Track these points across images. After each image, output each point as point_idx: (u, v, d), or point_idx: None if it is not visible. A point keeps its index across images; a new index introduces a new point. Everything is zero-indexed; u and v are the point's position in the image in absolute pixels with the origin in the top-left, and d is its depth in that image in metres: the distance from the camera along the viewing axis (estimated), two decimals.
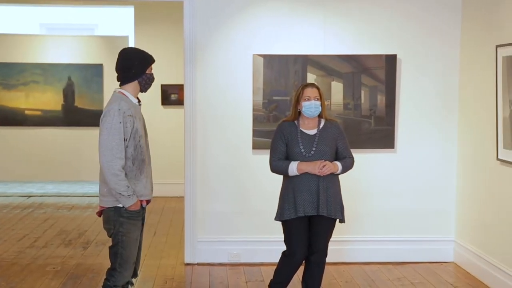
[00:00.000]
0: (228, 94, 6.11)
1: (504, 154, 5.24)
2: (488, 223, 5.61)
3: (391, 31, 6.11)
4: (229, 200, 6.15)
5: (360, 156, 6.14)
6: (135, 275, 4.36)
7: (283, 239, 4.72)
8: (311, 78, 6.04)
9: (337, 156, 4.64)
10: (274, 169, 4.61)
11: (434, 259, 6.22)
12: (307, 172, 4.51)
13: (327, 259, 5.95)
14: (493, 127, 5.39)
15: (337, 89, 6.10)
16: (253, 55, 6.03)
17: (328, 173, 4.50)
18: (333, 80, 6.09)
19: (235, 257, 6.17)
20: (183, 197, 6.35)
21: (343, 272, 5.94)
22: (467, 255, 5.97)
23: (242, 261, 6.15)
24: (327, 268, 5.95)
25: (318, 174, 4.48)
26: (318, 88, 4.59)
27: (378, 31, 6.11)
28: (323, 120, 4.64)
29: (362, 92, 6.11)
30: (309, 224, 4.63)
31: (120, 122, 4.00)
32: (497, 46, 5.27)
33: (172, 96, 9.69)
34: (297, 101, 4.59)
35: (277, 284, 4.75)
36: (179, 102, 9.40)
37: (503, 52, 5.19)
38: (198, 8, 6.03)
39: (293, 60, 6.04)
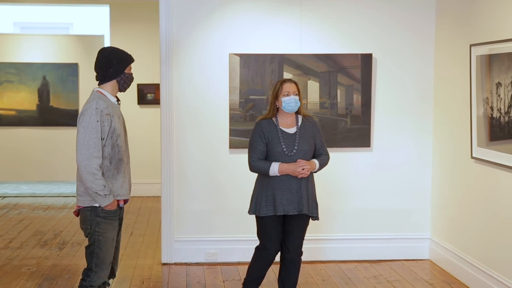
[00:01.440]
0: (204, 94, 6.11)
1: (478, 152, 5.30)
2: (462, 221, 5.67)
3: (367, 30, 6.15)
4: (206, 200, 6.15)
5: (336, 155, 6.19)
6: (113, 275, 4.34)
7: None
8: (287, 77, 6.04)
9: (314, 153, 4.66)
10: (254, 169, 4.58)
11: (410, 257, 6.27)
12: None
13: (304, 257, 5.97)
14: (468, 126, 5.45)
15: (313, 88, 6.12)
16: (230, 54, 6.02)
17: (308, 174, 4.52)
18: (309, 79, 6.11)
19: (212, 257, 6.16)
20: (159, 196, 6.34)
21: (320, 271, 5.96)
22: (442, 252, 6.03)
23: (219, 260, 6.15)
24: (303, 267, 5.99)
25: (298, 176, 4.49)
26: (296, 84, 4.59)
27: (354, 31, 6.14)
28: (301, 117, 4.65)
29: (338, 91, 6.14)
30: (284, 221, 4.64)
31: (98, 121, 3.99)
32: (471, 45, 5.33)
33: (149, 95, 9.65)
34: (276, 97, 4.57)
35: (251, 282, 4.75)
36: (156, 101, 9.38)
37: (477, 51, 5.25)
38: (174, 7, 6.01)
39: (269, 59, 6.05)
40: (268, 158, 4.56)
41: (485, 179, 5.25)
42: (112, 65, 4.12)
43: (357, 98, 6.15)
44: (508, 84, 4.81)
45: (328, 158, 4.69)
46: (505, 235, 4.97)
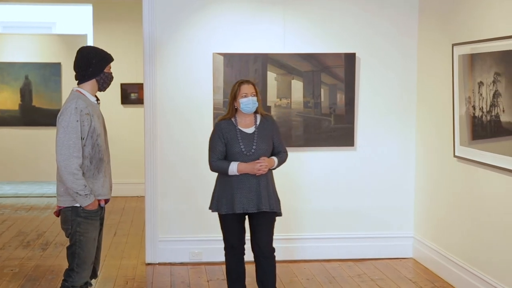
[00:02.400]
0: (188, 93, 6.09)
1: (461, 151, 5.33)
2: (445, 219, 5.71)
3: (350, 29, 6.16)
4: (190, 199, 6.13)
5: (320, 154, 6.21)
6: (95, 275, 4.32)
7: (250, 238, 4.77)
8: (271, 76, 6.06)
9: (272, 151, 4.73)
10: (214, 169, 4.67)
11: (393, 255, 6.30)
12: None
13: (287, 257, 5.97)
14: (450, 125, 5.48)
15: (297, 87, 6.13)
16: (213, 53, 6.02)
17: (266, 171, 4.57)
18: (293, 79, 6.12)
19: (196, 256, 6.15)
20: (143, 196, 6.32)
21: (304, 270, 5.97)
22: (425, 251, 6.06)
23: (204, 260, 6.14)
24: (287, 266, 6.00)
25: (257, 174, 4.56)
26: (253, 84, 4.66)
27: (337, 30, 6.16)
28: (259, 116, 4.71)
29: (322, 90, 6.15)
30: (249, 219, 4.72)
31: (77, 121, 3.97)
32: (453, 45, 5.36)
33: (132, 95, 9.62)
34: (234, 98, 4.64)
35: (234, 283, 4.81)
36: (139, 101, 9.34)
37: (459, 50, 5.28)
38: (157, 6, 5.99)
39: (253, 59, 6.05)
40: (228, 158, 4.64)
41: (468, 178, 5.28)
42: (92, 64, 4.11)
43: (340, 98, 6.17)
44: (490, 84, 4.85)
45: (286, 156, 4.79)
46: (487, 234, 5.00)
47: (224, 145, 4.62)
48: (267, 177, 4.63)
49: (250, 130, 4.65)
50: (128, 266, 6.12)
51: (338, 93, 6.16)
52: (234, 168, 4.56)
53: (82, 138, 4.00)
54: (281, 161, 4.73)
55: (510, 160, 4.60)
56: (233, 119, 4.67)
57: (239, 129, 4.64)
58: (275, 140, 4.71)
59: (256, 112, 4.70)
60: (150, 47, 6.02)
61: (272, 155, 4.71)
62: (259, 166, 4.54)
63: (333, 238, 6.28)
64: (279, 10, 6.08)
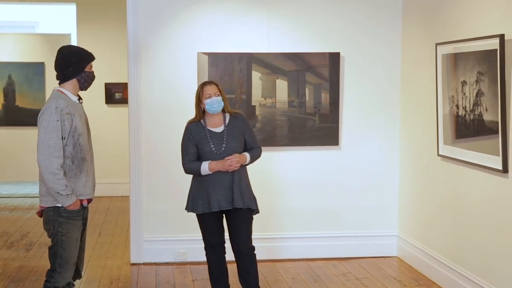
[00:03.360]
0: (173, 93, 6.08)
1: (445, 150, 5.36)
2: (429, 218, 5.74)
3: (334, 29, 6.18)
4: (175, 199, 6.11)
5: (305, 153, 6.22)
6: (79, 276, 4.30)
7: (228, 237, 4.78)
8: (255, 76, 6.06)
9: (245, 147, 4.77)
10: (188, 171, 4.72)
11: (378, 254, 6.32)
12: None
13: (272, 256, 5.97)
14: (434, 124, 5.51)
15: (281, 87, 6.13)
16: (198, 53, 6.01)
17: (238, 166, 4.59)
18: (277, 78, 6.12)
19: (181, 256, 6.14)
20: (128, 196, 6.29)
21: (289, 269, 5.98)
22: (409, 249, 6.09)
23: (189, 259, 6.12)
24: (273, 265, 6.01)
25: (228, 169, 4.59)
26: (216, 84, 4.71)
27: (321, 29, 6.17)
28: (228, 115, 4.75)
29: (307, 90, 6.16)
30: (226, 218, 4.76)
31: (58, 120, 3.95)
32: (437, 44, 5.39)
33: (116, 94, 9.58)
34: (199, 101, 4.70)
35: (217, 282, 4.84)
36: (124, 100, 9.29)
37: (443, 50, 5.31)
38: (141, 5, 5.97)
39: (237, 58, 6.05)
40: (200, 158, 4.70)
41: (451, 177, 5.32)
42: (71, 63, 4.09)
43: (325, 97, 6.18)
44: (473, 83, 4.88)
45: (260, 151, 4.82)
46: (471, 232, 5.04)
47: (195, 146, 4.68)
48: (240, 175, 4.67)
49: (219, 129, 4.70)
50: (112, 266, 6.10)
51: (323, 93, 6.17)
52: (205, 167, 4.61)
53: (63, 138, 3.98)
54: (254, 156, 4.77)
55: (493, 159, 4.63)
56: (202, 121, 4.73)
57: (208, 129, 4.69)
58: (247, 136, 4.76)
59: (225, 112, 4.74)
60: (134, 47, 6.00)
61: (245, 151, 4.75)
62: (230, 162, 4.58)
63: (318, 237, 6.29)
64: (264, 10, 6.09)
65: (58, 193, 3.97)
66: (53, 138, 3.95)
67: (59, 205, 4.04)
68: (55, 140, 3.95)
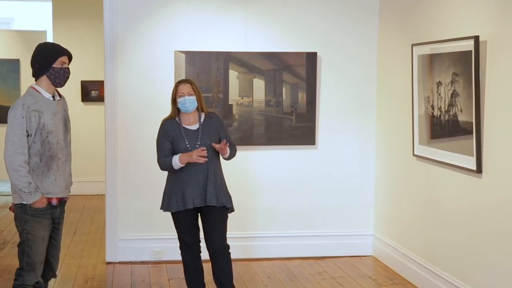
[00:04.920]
0: (150, 91, 6.05)
1: (420, 150, 5.40)
2: (404, 217, 5.78)
3: (312, 29, 6.19)
4: (151, 198, 6.07)
5: (281, 153, 6.23)
6: (53, 275, 4.26)
7: (203, 235, 4.77)
8: (233, 75, 6.06)
9: None
10: (163, 167, 4.72)
11: (353, 253, 6.35)
12: (194, 165, 4.61)
13: (248, 255, 5.97)
14: (409, 124, 5.55)
15: (258, 86, 6.14)
16: (175, 51, 5.98)
17: (206, 159, 4.53)
18: (255, 77, 6.12)
19: (157, 255, 6.12)
20: (104, 195, 6.26)
21: (265, 268, 5.98)
22: (385, 248, 6.13)
23: (165, 258, 6.10)
24: (249, 264, 6.01)
25: (198, 161, 4.54)
26: (191, 83, 4.70)
27: (299, 29, 6.18)
28: (203, 114, 4.75)
29: (284, 89, 6.17)
30: (200, 216, 4.75)
31: (23, 117, 3.93)
32: (412, 45, 5.42)
33: (93, 92, 9.51)
34: (175, 99, 4.70)
35: (193, 282, 4.84)
36: (100, 98, 9.23)
37: (419, 50, 5.34)
38: (118, 3, 5.94)
39: (215, 57, 6.04)
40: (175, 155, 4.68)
41: (426, 177, 5.35)
42: (38, 60, 4.07)
43: (302, 96, 6.19)
44: (448, 83, 4.92)
45: (235, 150, 4.83)
46: (445, 231, 5.08)
47: (170, 143, 4.68)
48: (215, 173, 4.66)
49: (194, 127, 4.71)
50: (88, 265, 6.05)
51: (300, 92, 6.19)
52: (176, 160, 4.61)
53: (29, 135, 3.95)
54: (232, 153, 4.78)
55: (467, 159, 4.67)
56: (177, 119, 4.73)
57: (183, 127, 4.70)
58: (222, 135, 4.76)
59: (200, 111, 4.74)
60: (111, 44, 5.96)
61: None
62: (197, 153, 4.51)
63: (294, 236, 6.30)
64: (241, 9, 6.08)
65: (21, 190, 3.95)
66: (17, 135, 3.93)
67: (24, 202, 4.01)
68: (20, 137, 3.92)
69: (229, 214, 4.79)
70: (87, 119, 9.40)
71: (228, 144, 4.67)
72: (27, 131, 3.94)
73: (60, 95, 4.19)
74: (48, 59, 4.06)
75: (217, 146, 4.64)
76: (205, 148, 4.58)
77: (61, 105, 4.19)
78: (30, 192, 3.95)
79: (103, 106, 6.17)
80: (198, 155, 4.55)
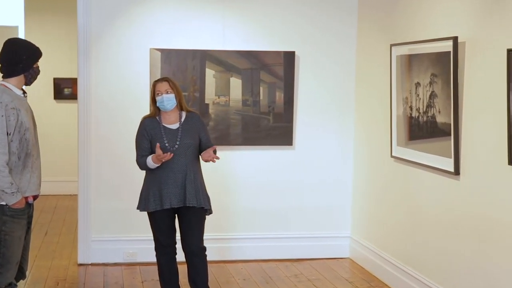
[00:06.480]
0: (124, 89, 5.98)
1: (398, 151, 5.38)
2: (381, 219, 5.75)
3: (290, 28, 6.15)
4: (125, 198, 5.99)
5: (258, 153, 6.18)
6: (23, 276, 4.19)
7: (180, 236, 4.71)
8: (209, 73, 5.99)
9: (200, 148, 4.71)
10: (140, 166, 4.69)
11: (330, 255, 6.31)
12: (173, 165, 4.56)
13: (224, 257, 5.92)
14: (388, 125, 5.52)
15: (235, 85, 6.08)
16: (151, 49, 5.91)
17: (170, 157, 4.45)
18: (231, 76, 6.06)
19: (131, 257, 6.05)
20: (76, 195, 6.18)
21: (241, 270, 5.93)
22: (362, 251, 6.10)
23: (139, 260, 6.03)
24: (224, 266, 5.96)
25: (163, 160, 4.46)
26: (169, 81, 4.64)
27: (277, 28, 6.14)
28: (184, 113, 4.70)
29: (261, 88, 6.12)
30: (178, 217, 4.71)
31: (2, 116, 3.84)
32: (391, 45, 5.40)
33: (66, 90, 9.39)
34: (154, 98, 4.66)
35: (168, 284, 4.78)
36: (73, 96, 9.09)
37: (397, 51, 5.32)
38: None
39: (191, 55, 5.96)
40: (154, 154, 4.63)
41: (404, 178, 5.33)
42: (22, 60, 4.00)
43: (279, 96, 6.14)
44: (427, 84, 4.90)
45: (215, 151, 4.76)
46: (422, 233, 5.06)
47: (149, 142, 4.63)
48: (194, 173, 4.62)
49: (175, 126, 4.66)
50: (59, 266, 5.97)
51: (277, 92, 6.14)
52: (149, 160, 4.57)
53: (8, 134, 3.86)
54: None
55: (445, 161, 4.66)
56: (157, 117, 4.68)
57: (163, 125, 4.65)
58: (202, 136, 4.71)
59: (181, 109, 4.69)
60: (84, 41, 5.87)
61: (200, 151, 4.70)
62: (161, 158, 4.45)
63: (270, 238, 6.26)
64: (219, 7, 6.02)
65: (3, 191, 3.86)
66: None
67: (3, 203, 3.92)
68: (0, 136, 3.83)
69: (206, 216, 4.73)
70: (59, 117, 9.28)
71: (216, 154, 4.62)
72: (6, 130, 3.84)
73: (24, 92, 4.11)
74: (32, 60, 4.04)
75: (204, 157, 4.58)
76: (170, 156, 4.48)
77: (27, 102, 4.12)
78: (12, 192, 3.88)
79: (76, 104, 6.08)
80: (160, 159, 4.46)
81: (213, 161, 4.62)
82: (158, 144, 4.51)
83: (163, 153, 4.52)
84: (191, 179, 4.59)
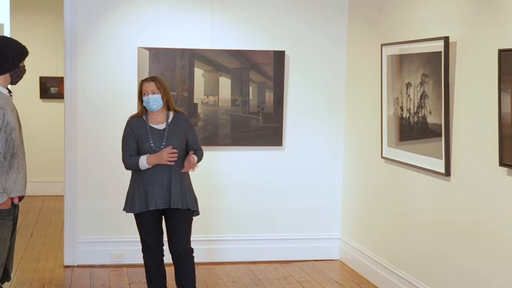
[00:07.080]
0: (111, 88, 5.93)
1: (388, 152, 5.34)
2: (371, 221, 5.72)
3: (280, 27, 6.12)
4: (112, 199, 5.93)
5: (247, 153, 6.14)
6: (8, 278, 4.11)
7: (167, 238, 4.68)
8: (198, 73, 5.94)
9: (187, 148, 4.66)
10: (128, 166, 4.63)
11: (320, 257, 6.27)
12: (159, 166, 4.51)
13: (213, 259, 5.87)
14: (378, 125, 5.49)
15: (224, 84, 6.02)
16: (139, 47, 5.85)
17: (175, 159, 4.45)
18: (220, 76, 6.02)
19: (118, 258, 6.00)
20: (62, 196, 6.13)
21: (230, 272, 5.88)
22: (352, 252, 6.06)
23: (126, 262, 5.98)
24: (213, 268, 5.91)
25: (168, 163, 4.45)
26: (155, 81, 4.59)
27: (266, 27, 6.10)
28: (172, 113, 4.66)
29: (250, 88, 6.07)
30: (164, 219, 4.67)
31: None
32: (382, 45, 5.37)
33: (52, 89, 9.31)
34: (141, 97, 4.62)
35: (155, 287, 4.74)
36: (60, 95, 9.01)
37: (388, 51, 5.29)
38: None
39: (180, 54, 5.90)
40: (139, 154, 4.59)
41: (394, 179, 5.30)
42: (8, 59, 3.93)
43: (269, 96, 6.10)
44: (418, 85, 4.87)
45: (202, 153, 4.75)
46: (412, 235, 5.03)
47: (135, 141, 4.59)
48: (181, 174, 4.57)
49: (161, 126, 4.62)
50: (45, 268, 5.91)
51: (267, 91, 6.09)
52: (143, 161, 4.51)
53: None
54: (199, 158, 4.71)
55: (436, 162, 4.63)
56: (144, 117, 4.63)
57: (149, 125, 4.61)
58: (189, 137, 4.66)
59: (169, 109, 4.65)
60: (71, 39, 5.81)
61: (187, 152, 4.64)
62: (167, 153, 4.43)
63: (259, 239, 6.22)
64: (208, 6, 5.98)
65: None
66: None
67: None
68: None
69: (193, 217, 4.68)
70: (46, 117, 9.22)
71: (195, 161, 4.58)
72: None
73: (9, 91, 4.04)
74: (19, 59, 3.98)
75: (185, 168, 4.54)
76: (174, 150, 4.46)
77: (12, 101, 4.06)
78: None
79: (63, 104, 6.02)
80: (167, 157, 4.43)
81: (193, 170, 4.59)
82: (171, 145, 4.47)
83: (148, 153, 4.50)
84: (177, 180, 4.54)
